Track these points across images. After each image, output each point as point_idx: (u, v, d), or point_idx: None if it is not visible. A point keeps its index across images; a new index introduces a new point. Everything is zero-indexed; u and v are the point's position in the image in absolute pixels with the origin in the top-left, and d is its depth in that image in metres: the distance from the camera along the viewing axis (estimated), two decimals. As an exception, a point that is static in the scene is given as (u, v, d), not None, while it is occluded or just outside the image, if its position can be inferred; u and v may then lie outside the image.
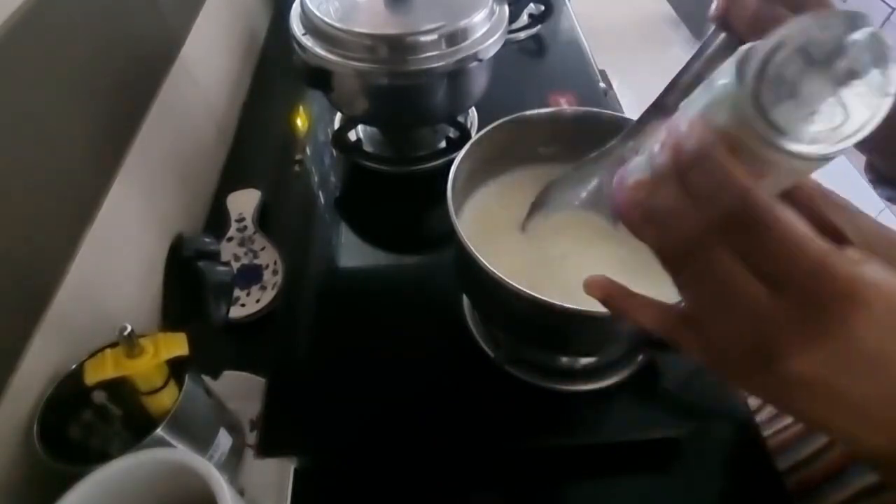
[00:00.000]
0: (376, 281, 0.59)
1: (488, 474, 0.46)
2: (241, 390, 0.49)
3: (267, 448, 0.45)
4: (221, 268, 0.57)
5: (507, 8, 0.62)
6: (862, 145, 0.39)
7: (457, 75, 0.58)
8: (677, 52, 2.34)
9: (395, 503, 0.45)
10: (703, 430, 0.48)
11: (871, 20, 0.18)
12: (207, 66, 0.73)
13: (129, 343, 0.36)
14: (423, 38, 0.55)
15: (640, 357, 0.50)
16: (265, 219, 0.65)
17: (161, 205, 0.59)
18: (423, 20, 0.55)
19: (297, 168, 0.69)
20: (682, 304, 0.22)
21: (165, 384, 0.38)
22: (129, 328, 0.35)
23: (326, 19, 0.55)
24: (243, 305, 0.56)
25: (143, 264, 0.54)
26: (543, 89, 0.80)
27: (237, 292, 0.57)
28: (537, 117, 0.49)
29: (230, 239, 0.62)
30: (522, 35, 0.91)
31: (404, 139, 0.72)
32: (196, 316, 0.53)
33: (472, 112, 0.75)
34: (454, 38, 0.56)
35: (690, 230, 0.19)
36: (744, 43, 0.23)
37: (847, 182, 0.45)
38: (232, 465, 0.45)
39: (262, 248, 0.61)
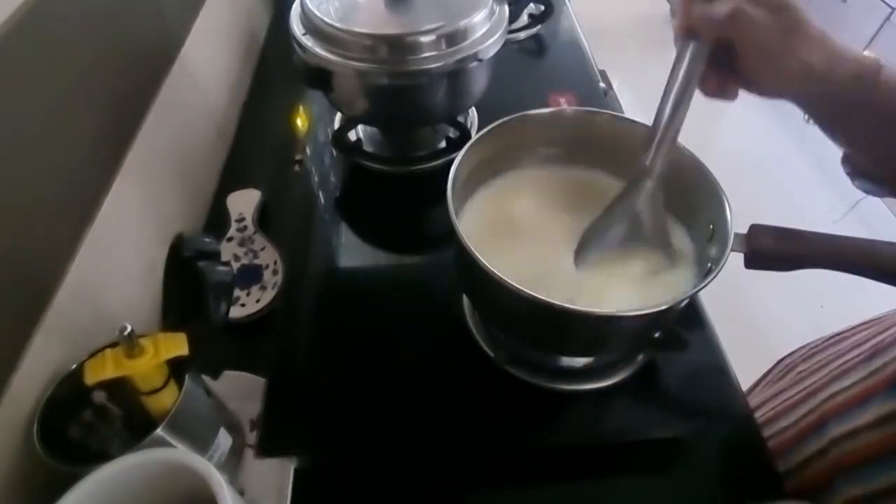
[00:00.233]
0: (376, 281, 0.59)
1: (488, 474, 0.46)
2: (241, 390, 0.49)
3: (267, 448, 0.45)
4: (221, 268, 0.57)
5: (507, 8, 0.62)
6: (841, 141, 0.40)
7: (457, 75, 0.58)
8: (677, 53, 2.33)
9: (395, 503, 0.45)
10: (703, 430, 0.48)
11: None
12: (207, 66, 0.73)
13: (129, 343, 0.36)
14: (423, 38, 0.55)
15: (640, 357, 0.50)
16: (265, 219, 0.65)
17: (161, 205, 0.59)
18: (423, 20, 0.55)
19: (297, 168, 0.69)
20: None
21: (165, 384, 0.38)
22: (129, 328, 0.35)
23: (326, 19, 0.55)
24: (243, 305, 0.56)
25: (143, 264, 0.54)
26: (543, 89, 0.80)
27: (237, 292, 0.57)
28: (537, 117, 0.49)
29: (230, 239, 0.62)
30: (522, 35, 0.91)
31: (404, 139, 0.72)
32: (196, 316, 0.53)
33: (472, 112, 0.75)
34: (454, 38, 0.56)
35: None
36: (713, 46, 0.34)
37: (822, 174, 0.46)
38: (232, 465, 0.45)
39: (262, 248, 0.61)
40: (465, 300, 0.55)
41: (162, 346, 0.37)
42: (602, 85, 0.84)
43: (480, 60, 0.58)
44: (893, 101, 0.36)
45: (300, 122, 0.78)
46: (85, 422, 0.40)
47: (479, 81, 0.63)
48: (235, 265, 0.59)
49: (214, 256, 0.58)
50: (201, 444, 0.41)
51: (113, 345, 0.38)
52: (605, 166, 0.51)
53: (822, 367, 0.52)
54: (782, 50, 0.34)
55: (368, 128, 0.73)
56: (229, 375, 0.50)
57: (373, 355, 0.52)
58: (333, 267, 0.60)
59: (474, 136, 0.46)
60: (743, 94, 0.38)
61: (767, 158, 2.04)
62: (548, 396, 0.49)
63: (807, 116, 0.39)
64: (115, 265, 0.49)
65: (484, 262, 0.37)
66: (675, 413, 0.49)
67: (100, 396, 0.40)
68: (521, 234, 0.48)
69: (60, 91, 0.44)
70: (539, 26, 0.91)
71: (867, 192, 0.44)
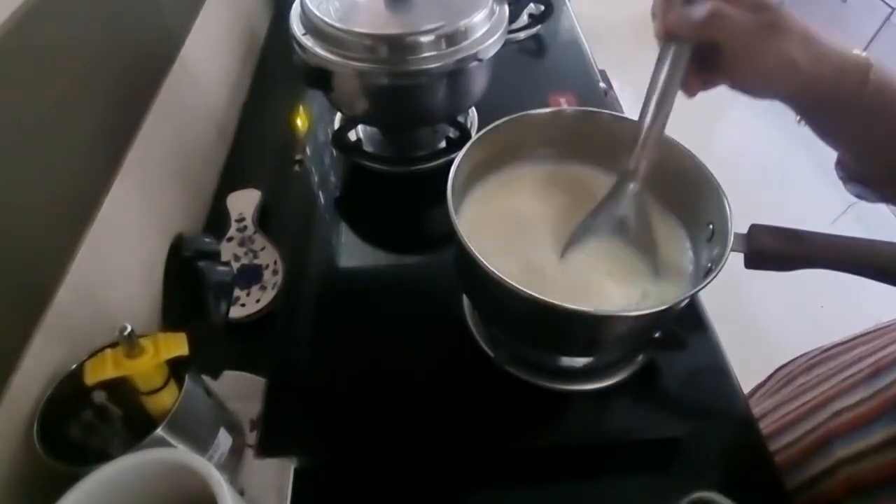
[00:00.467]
0: (376, 281, 0.59)
1: (488, 474, 0.46)
2: (241, 390, 0.49)
3: (267, 448, 0.45)
4: (221, 268, 0.57)
5: (507, 8, 0.62)
6: (833, 143, 0.39)
7: (457, 75, 0.58)
8: (677, 52, 2.33)
9: (395, 503, 0.45)
10: (703, 430, 0.48)
11: None
12: (207, 66, 0.73)
13: (129, 343, 0.36)
14: (423, 38, 0.55)
15: (640, 357, 0.50)
16: (265, 219, 0.65)
17: (161, 205, 0.59)
18: (423, 20, 0.55)
19: (297, 168, 0.69)
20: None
21: (165, 384, 0.38)
22: (129, 328, 0.35)
23: (326, 19, 0.55)
24: (243, 305, 0.56)
25: (143, 264, 0.54)
26: (543, 89, 0.80)
27: (237, 292, 0.57)
28: (537, 117, 0.49)
29: (230, 239, 0.62)
30: (522, 35, 0.91)
31: (404, 139, 0.72)
32: (196, 316, 0.53)
33: (472, 112, 0.75)
34: (454, 38, 0.56)
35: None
36: (694, 48, 0.35)
37: (822, 174, 0.46)
38: (232, 465, 0.45)
39: (262, 248, 0.61)
40: (465, 300, 0.54)
41: (162, 346, 0.37)
42: (602, 85, 0.84)
43: (480, 60, 0.58)
44: (884, 100, 0.36)
45: (300, 122, 0.78)
46: (85, 422, 0.40)
47: (479, 81, 0.63)
48: (235, 265, 0.59)
49: (214, 256, 0.58)
50: (201, 444, 0.41)
51: (113, 345, 0.38)
52: (605, 166, 0.51)
53: (824, 382, 0.51)
54: (764, 48, 0.34)
55: (368, 128, 0.73)
56: (229, 375, 0.50)
57: (373, 355, 0.52)
58: (333, 267, 0.60)
59: (474, 136, 0.46)
60: (743, 96, 0.38)
61: (767, 158, 2.04)
62: (548, 396, 0.49)
63: (798, 117, 0.39)
64: (115, 265, 0.49)
65: (484, 262, 0.37)
66: (675, 413, 0.49)
67: (100, 396, 0.40)
68: (521, 233, 0.48)
69: (60, 91, 0.43)
70: (539, 26, 0.91)
71: (859, 196, 0.44)
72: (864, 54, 0.35)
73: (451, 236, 0.41)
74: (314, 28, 0.57)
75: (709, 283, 0.37)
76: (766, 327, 1.55)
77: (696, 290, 0.38)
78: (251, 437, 0.48)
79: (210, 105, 0.74)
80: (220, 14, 0.79)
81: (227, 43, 0.82)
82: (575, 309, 0.36)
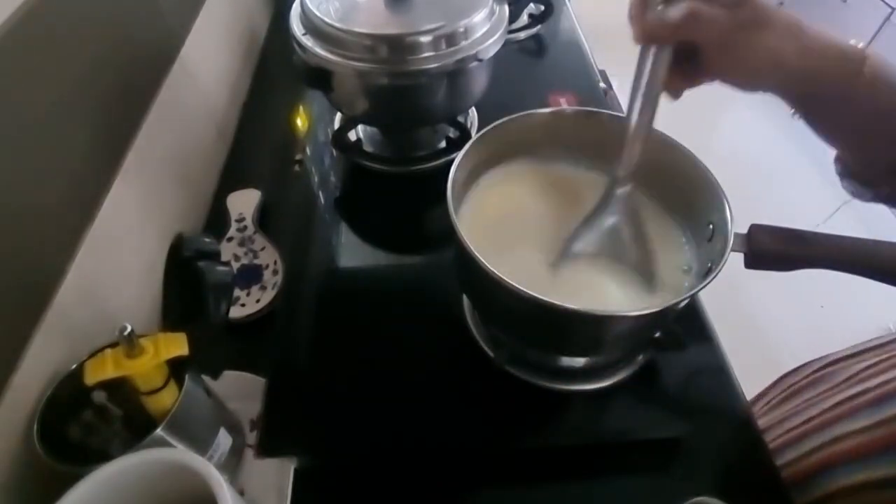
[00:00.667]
0: (376, 281, 0.59)
1: (488, 474, 0.46)
2: (241, 390, 0.49)
3: (267, 448, 0.45)
4: (221, 268, 0.57)
5: (507, 8, 0.62)
6: (828, 138, 0.39)
7: (457, 75, 0.58)
8: (677, 52, 2.33)
9: (395, 503, 0.45)
10: (703, 430, 0.48)
11: None
12: (207, 66, 0.73)
13: (129, 343, 0.36)
14: (423, 38, 0.55)
15: (640, 357, 0.50)
16: (265, 219, 0.65)
17: (161, 205, 0.59)
18: (423, 20, 0.55)
19: (297, 168, 0.69)
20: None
21: (165, 384, 0.38)
22: (129, 328, 0.35)
23: (326, 19, 0.55)
24: (243, 305, 0.56)
25: (143, 264, 0.54)
26: (543, 89, 0.80)
27: (237, 292, 0.57)
28: (537, 117, 0.49)
29: (230, 239, 0.62)
30: (522, 35, 0.91)
31: (404, 139, 0.72)
32: (196, 316, 0.53)
33: (472, 112, 0.75)
34: (454, 38, 0.56)
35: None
36: (675, 49, 0.35)
37: (822, 174, 0.45)
38: (232, 465, 0.45)
39: (262, 248, 0.61)
40: (465, 300, 0.54)
41: (162, 346, 0.37)
42: (602, 85, 0.84)
43: (480, 60, 0.58)
44: (880, 94, 0.35)
45: (300, 122, 0.78)
46: (85, 422, 0.40)
47: (479, 81, 0.63)
48: (235, 265, 0.59)
49: (214, 256, 0.58)
50: (201, 444, 0.41)
51: (113, 345, 0.38)
52: (605, 166, 0.51)
53: (828, 399, 0.51)
54: (746, 44, 0.34)
55: (368, 128, 0.73)
56: (229, 375, 0.50)
57: (373, 355, 0.52)
58: (333, 267, 0.60)
59: (474, 136, 0.46)
60: (743, 95, 0.38)
61: (767, 158, 2.04)
62: (548, 396, 0.49)
63: (792, 110, 0.39)
64: (115, 265, 0.49)
65: (484, 262, 0.37)
66: (675, 413, 0.49)
67: (100, 396, 0.40)
68: (521, 234, 0.48)
69: (60, 91, 0.44)
70: (539, 26, 0.91)
71: (854, 194, 0.44)
72: (860, 45, 0.35)
73: (451, 236, 0.41)
74: (314, 28, 0.57)
75: (709, 283, 0.37)
76: (766, 327, 1.55)
77: (696, 290, 0.38)
78: (251, 437, 0.48)
79: (210, 105, 0.74)
80: (220, 14, 0.79)
81: (227, 43, 0.82)
82: (575, 309, 0.36)
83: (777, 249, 0.40)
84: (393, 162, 0.70)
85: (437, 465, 0.46)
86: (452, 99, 0.62)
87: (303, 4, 0.58)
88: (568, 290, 0.44)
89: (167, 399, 0.38)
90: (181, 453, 0.36)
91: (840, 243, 0.39)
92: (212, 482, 0.31)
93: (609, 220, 0.44)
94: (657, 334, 0.49)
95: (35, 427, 0.36)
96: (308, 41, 0.57)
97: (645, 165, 0.41)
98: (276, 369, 0.50)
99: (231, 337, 0.55)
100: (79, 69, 0.46)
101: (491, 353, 0.50)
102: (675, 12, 0.33)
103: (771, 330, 1.54)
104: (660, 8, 0.33)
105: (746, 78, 0.36)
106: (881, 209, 1.76)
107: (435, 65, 0.56)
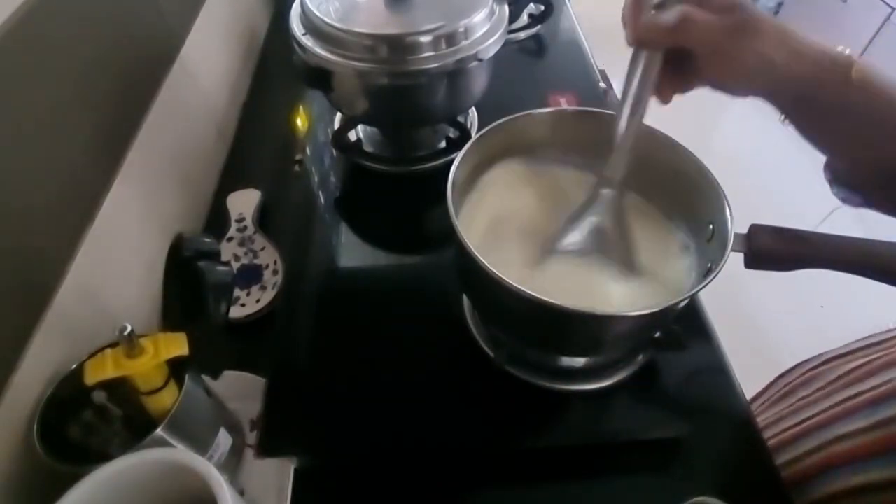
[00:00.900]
0: (376, 281, 0.59)
1: (488, 474, 0.46)
2: (241, 390, 0.49)
3: (267, 448, 0.45)
4: (221, 268, 0.57)
5: (507, 8, 0.62)
6: (817, 143, 0.39)
7: (457, 75, 0.58)
8: (677, 52, 2.33)
9: (395, 503, 0.45)
10: (703, 430, 0.48)
11: None
12: (207, 66, 0.73)
13: (129, 343, 0.36)
14: (423, 38, 0.55)
15: (640, 357, 0.50)
16: (265, 219, 0.65)
17: (161, 205, 0.59)
18: (423, 20, 0.55)
19: (297, 168, 0.69)
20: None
21: (165, 384, 0.38)
22: (129, 328, 0.35)
23: (326, 19, 0.55)
24: (243, 305, 0.56)
25: (143, 264, 0.54)
26: (543, 89, 0.80)
27: (237, 292, 0.57)
28: (537, 117, 0.49)
29: (230, 239, 0.62)
30: (522, 35, 0.91)
31: (404, 139, 0.72)
32: (196, 316, 0.53)
33: (472, 112, 0.75)
34: (454, 38, 0.56)
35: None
36: (666, 54, 0.35)
37: (822, 174, 0.45)
38: (232, 465, 0.45)
39: (262, 248, 0.61)
40: (465, 300, 0.54)
41: (162, 346, 0.37)
42: (602, 85, 0.84)
43: (480, 60, 0.58)
44: (868, 100, 0.35)
45: (300, 122, 0.78)
46: (85, 422, 0.40)
47: (479, 81, 0.63)
48: (235, 265, 0.59)
49: (214, 256, 0.58)
50: (201, 444, 0.41)
51: (113, 345, 0.38)
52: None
53: (823, 400, 0.51)
54: (737, 50, 0.34)
55: (368, 128, 0.73)
56: (229, 375, 0.50)
57: (373, 355, 0.52)
58: (333, 267, 0.60)
59: (474, 136, 0.46)
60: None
61: (767, 158, 2.04)
62: (548, 396, 0.49)
63: (782, 116, 0.39)
64: (115, 265, 0.49)
65: (484, 262, 0.37)
66: (675, 413, 0.49)
67: (100, 396, 0.40)
68: (521, 234, 0.48)
69: (60, 91, 0.44)
70: (539, 26, 0.91)
71: (844, 200, 0.44)
72: (847, 52, 0.35)
73: (451, 236, 0.41)
74: (314, 28, 0.57)
75: (709, 283, 0.37)
76: (766, 327, 1.55)
77: (696, 290, 0.38)
78: (251, 437, 0.48)
79: (210, 105, 0.74)
80: (220, 14, 0.79)
81: (227, 43, 0.82)
82: (575, 309, 0.36)
83: (777, 249, 0.40)
84: (393, 162, 0.70)
85: (437, 465, 0.46)
86: (452, 99, 0.62)
87: (303, 4, 0.58)
88: (568, 289, 0.44)
89: (167, 399, 0.38)
90: (181, 453, 0.36)
91: (840, 243, 0.39)
92: (212, 482, 0.31)
93: (593, 220, 0.44)
94: (657, 334, 0.49)
95: (35, 427, 0.36)
96: (308, 41, 0.57)
97: (645, 165, 0.41)
98: (276, 369, 0.50)
99: (231, 337, 0.55)
100: (79, 69, 0.46)
101: (491, 353, 0.50)
102: (669, 17, 0.33)
103: (771, 330, 1.54)
104: (653, 12, 0.34)
105: (737, 83, 0.36)
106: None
107: (435, 65, 0.56)
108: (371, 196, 0.67)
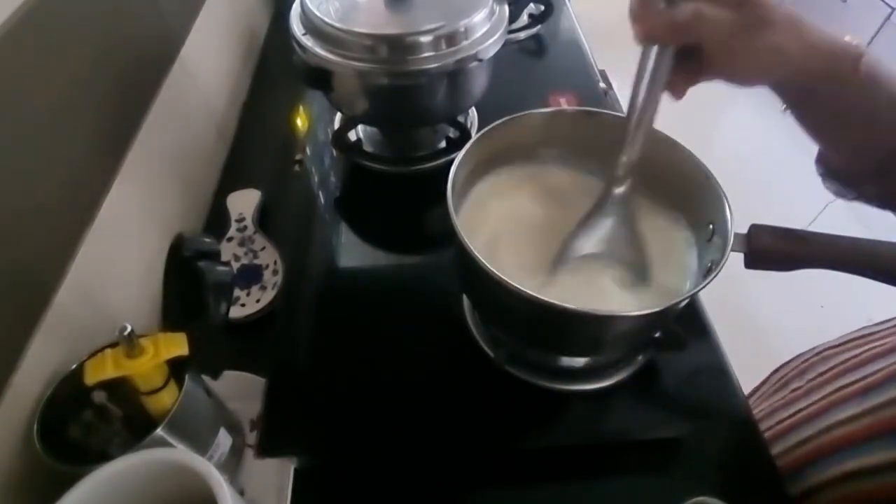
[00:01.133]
0: (376, 281, 0.59)
1: (488, 474, 0.46)
2: (241, 390, 0.49)
3: (267, 448, 0.45)
4: (221, 268, 0.57)
5: (507, 8, 0.62)
6: (819, 135, 0.39)
7: (457, 75, 0.58)
8: (677, 52, 2.34)
9: (395, 503, 0.45)
10: (703, 430, 0.48)
11: None
12: (207, 66, 0.73)
13: (129, 343, 0.36)
14: (423, 38, 0.55)
15: (640, 357, 0.50)
16: (265, 219, 0.65)
17: (161, 205, 0.59)
18: (423, 20, 0.55)
19: (297, 168, 0.69)
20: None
21: (165, 384, 0.38)
22: (129, 328, 0.35)
23: (326, 19, 0.55)
24: (243, 305, 0.56)
25: (143, 264, 0.54)
26: (543, 89, 0.80)
27: (237, 292, 0.57)
28: (537, 117, 0.49)
29: (230, 239, 0.62)
30: (522, 35, 0.91)
31: (404, 139, 0.72)
32: (196, 316, 0.53)
33: (472, 112, 0.75)
34: (454, 38, 0.56)
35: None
36: (675, 50, 0.35)
37: (813, 178, 0.45)
38: (232, 465, 0.45)
39: (262, 248, 0.61)
40: (465, 300, 0.54)
41: (162, 346, 0.37)
42: (602, 85, 0.84)
43: (480, 60, 0.58)
44: (874, 90, 0.35)
45: (300, 122, 0.78)
46: (85, 422, 0.40)
47: (479, 81, 0.63)
48: (235, 265, 0.59)
49: (214, 256, 0.58)
50: (201, 444, 0.41)
51: (113, 345, 0.38)
52: (605, 166, 0.51)
53: (816, 390, 0.51)
54: (750, 44, 0.33)
55: (368, 128, 0.73)
56: (229, 375, 0.50)
57: (373, 355, 0.52)
58: (333, 267, 0.60)
59: (474, 136, 0.46)
60: (743, 95, 0.38)
61: (767, 158, 2.04)
62: (548, 396, 0.49)
63: (784, 106, 0.39)
64: (115, 265, 0.49)
65: (484, 262, 0.37)
66: (675, 413, 0.49)
67: (100, 396, 0.40)
68: (522, 233, 0.48)
69: (60, 91, 0.44)
70: (539, 26, 0.91)
71: (837, 194, 0.44)
72: (854, 42, 0.35)
73: (451, 236, 0.41)
74: (314, 28, 0.57)
75: (709, 283, 0.37)
76: (766, 327, 1.55)
77: (696, 290, 0.38)
78: (251, 437, 0.48)
79: (210, 105, 0.74)
80: (220, 14, 0.79)
81: (227, 43, 0.82)
82: (575, 309, 0.36)
83: (777, 249, 0.40)
84: (393, 162, 0.70)
85: (437, 465, 0.46)
86: (452, 99, 0.62)
87: (303, 4, 0.58)
88: (568, 290, 0.44)
89: (167, 399, 0.38)
90: (181, 453, 0.36)
91: (840, 243, 0.39)
92: (212, 482, 0.31)
93: (607, 221, 0.44)
94: (657, 334, 0.49)
95: (35, 427, 0.36)
96: (308, 41, 0.57)
97: (645, 165, 0.41)
98: (276, 369, 0.50)
99: (231, 337, 0.55)
100: (79, 69, 0.46)
101: (491, 353, 0.50)
102: (681, 13, 0.32)
103: (771, 330, 1.54)
104: (663, 7, 0.33)
105: (749, 77, 0.36)
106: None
107: (435, 65, 0.56)
108: (371, 196, 0.67)
